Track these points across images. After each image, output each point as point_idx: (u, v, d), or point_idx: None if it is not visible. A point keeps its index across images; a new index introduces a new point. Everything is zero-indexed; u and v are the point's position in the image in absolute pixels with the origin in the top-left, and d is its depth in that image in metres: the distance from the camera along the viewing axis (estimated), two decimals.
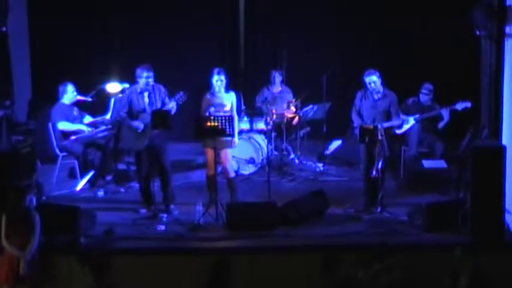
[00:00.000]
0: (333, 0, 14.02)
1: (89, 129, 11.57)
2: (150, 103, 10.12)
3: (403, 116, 11.57)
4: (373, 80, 10.12)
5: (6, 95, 12.29)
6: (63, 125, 11.40)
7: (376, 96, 10.17)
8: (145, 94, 10.15)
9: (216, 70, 10.32)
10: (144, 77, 10.08)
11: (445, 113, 11.68)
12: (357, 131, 10.20)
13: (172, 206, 10.25)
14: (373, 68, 10.24)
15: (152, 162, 10.19)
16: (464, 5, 10.33)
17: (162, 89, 10.25)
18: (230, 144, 10.30)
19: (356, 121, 10.30)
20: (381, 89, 10.17)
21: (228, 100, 10.30)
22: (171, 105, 10.02)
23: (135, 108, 10.16)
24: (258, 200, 10.34)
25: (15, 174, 9.10)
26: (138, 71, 10.12)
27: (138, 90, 10.17)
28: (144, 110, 10.11)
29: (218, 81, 10.20)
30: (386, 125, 10.05)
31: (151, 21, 13.93)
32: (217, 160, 10.38)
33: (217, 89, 10.21)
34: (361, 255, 7.67)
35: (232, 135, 10.01)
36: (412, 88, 12.07)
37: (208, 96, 10.28)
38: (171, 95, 10.19)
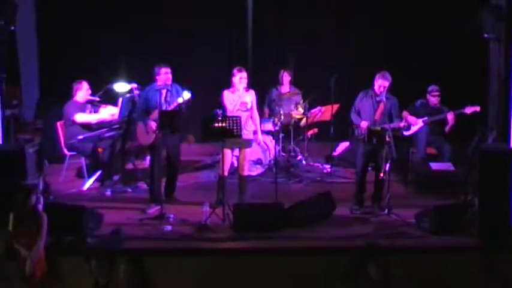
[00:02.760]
0: (341, 1, 14.01)
1: (112, 109, 11.57)
2: (166, 101, 10.16)
3: (410, 118, 11.57)
4: (385, 84, 10.10)
5: (14, 94, 12.35)
6: (81, 117, 11.38)
7: (378, 99, 10.16)
8: (163, 92, 10.19)
9: (237, 68, 10.32)
10: (163, 74, 10.16)
11: (450, 116, 11.63)
12: (357, 132, 10.22)
13: (175, 194, 10.53)
14: (387, 70, 10.20)
15: (162, 159, 10.31)
16: (473, 7, 10.32)
17: (180, 88, 10.31)
18: (251, 144, 10.35)
19: (356, 120, 10.29)
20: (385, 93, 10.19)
21: (249, 99, 10.31)
22: (178, 101, 10.10)
23: (151, 105, 10.24)
24: (265, 201, 10.30)
25: (22, 174, 9.11)
26: (156, 69, 10.22)
27: (156, 87, 10.24)
28: (158, 107, 10.16)
29: (240, 78, 10.20)
30: (392, 125, 10.04)
31: (160, 21, 13.95)
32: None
33: (238, 86, 10.21)
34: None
35: (240, 135, 9.97)
36: (419, 90, 12.05)
37: (230, 93, 10.28)
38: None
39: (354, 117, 10.36)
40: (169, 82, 10.24)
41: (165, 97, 10.19)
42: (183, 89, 10.17)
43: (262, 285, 8.73)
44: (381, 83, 10.13)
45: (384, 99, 10.12)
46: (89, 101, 11.56)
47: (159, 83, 10.23)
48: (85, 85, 11.51)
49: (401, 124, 10.38)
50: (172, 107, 10.10)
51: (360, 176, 10.38)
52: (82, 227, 9.02)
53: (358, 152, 10.38)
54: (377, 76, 10.18)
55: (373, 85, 10.23)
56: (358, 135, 10.23)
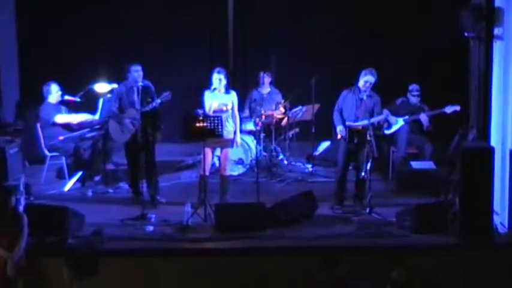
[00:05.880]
0: (323, 2, 14.04)
1: (90, 116, 11.54)
2: (139, 99, 10.17)
3: (391, 117, 11.60)
4: (370, 80, 10.13)
5: None
6: (61, 119, 11.34)
7: (361, 96, 10.18)
8: (135, 90, 10.24)
9: (216, 69, 10.30)
10: (134, 71, 10.27)
11: (423, 117, 11.66)
12: (340, 132, 10.24)
13: (158, 197, 10.45)
14: (374, 68, 10.23)
15: (139, 156, 10.31)
16: (453, 7, 10.35)
17: (151, 86, 10.39)
18: (231, 144, 10.32)
19: (337, 120, 10.32)
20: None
21: (229, 100, 10.28)
22: (154, 104, 10.16)
23: (124, 104, 10.35)
24: (247, 201, 10.29)
25: (2, 175, 9.05)
26: (127, 67, 10.37)
27: (128, 86, 10.33)
28: (132, 105, 10.26)
29: (217, 79, 10.17)
30: (372, 120, 10.06)
31: (141, 22, 13.92)
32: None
33: (217, 87, 10.18)
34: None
35: (222, 136, 9.97)
36: (401, 89, 12.08)
37: (209, 93, 10.25)
38: (158, 94, 10.29)
39: (335, 116, 10.37)
40: (140, 80, 10.28)
41: (138, 95, 10.22)
42: (164, 91, 10.18)
43: (245, 285, 8.72)
44: (367, 79, 10.14)
45: (365, 96, 10.14)
46: (62, 102, 11.53)
47: (130, 80, 10.33)
48: (54, 87, 11.48)
49: (381, 117, 10.37)
50: (149, 106, 10.14)
51: (340, 175, 10.40)
52: (64, 228, 8.98)
53: (339, 151, 10.40)
54: (364, 72, 10.19)
55: (357, 81, 10.24)
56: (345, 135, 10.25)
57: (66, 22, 13.68)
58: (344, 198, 10.39)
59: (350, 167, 10.51)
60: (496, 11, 9.62)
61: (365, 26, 14.03)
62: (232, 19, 14.03)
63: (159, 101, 10.17)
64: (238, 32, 14.26)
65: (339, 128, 10.27)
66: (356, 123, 10.14)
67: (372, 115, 10.17)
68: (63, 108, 11.56)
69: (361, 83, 10.20)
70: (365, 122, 10.05)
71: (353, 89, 10.29)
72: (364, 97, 10.13)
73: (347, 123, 10.22)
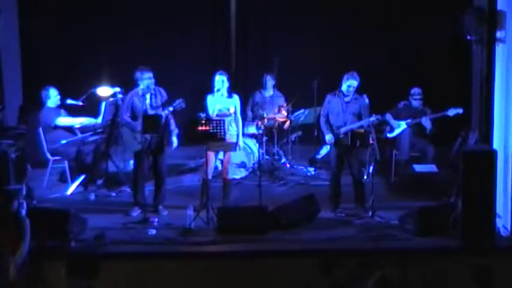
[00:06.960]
0: (325, 5, 14.04)
1: (92, 120, 11.56)
2: (151, 105, 10.13)
3: (393, 121, 11.60)
4: (353, 84, 10.14)
5: None
6: (63, 121, 11.37)
7: (347, 99, 10.19)
8: (147, 96, 10.17)
9: (218, 72, 10.30)
10: (146, 78, 10.08)
11: (426, 122, 11.64)
12: (329, 141, 10.23)
13: (161, 207, 10.32)
14: (356, 71, 10.22)
15: (148, 164, 10.29)
16: (455, 10, 10.36)
17: (163, 92, 10.29)
18: (234, 147, 10.31)
19: (324, 128, 10.35)
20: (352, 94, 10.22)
21: (231, 104, 10.28)
22: (166, 112, 10.03)
23: (137, 111, 10.15)
24: (249, 204, 10.29)
25: (4, 179, 9.06)
26: (138, 74, 10.12)
27: (140, 92, 10.16)
28: (145, 113, 10.12)
29: (219, 82, 10.16)
30: (363, 122, 10.07)
31: (143, 25, 13.94)
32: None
33: (220, 89, 10.17)
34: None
35: (224, 139, 9.97)
36: (403, 92, 12.08)
37: (212, 97, 10.25)
38: (171, 101, 10.19)
39: (322, 123, 10.40)
40: (153, 86, 10.19)
41: (150, 102, 10.17)
42: (177, 98, 10.10)
43: None
44: (350, 83, 10.15)
45: (351, 100, 10.17)
46: (62, 105, 11.55)
47: (142, 87, 10.16)
48: (52, 91, 11.46)
49: (373, 119, 10.35)
50: (161, 112, 10.07)
51: (334, 179, 10.40)
52: (66, 232, 8.98)
53: (331, 156, 10.42)
54: (346, 76, 10.20)
55: (340, 85, 10.24)
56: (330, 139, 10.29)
57: (69, 26, 13.69)
58: (339, 202, 10.39)
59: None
60: (498, 14, 9.61)
61: (366, 29, 14.03)
62: (235, 21, 14.05)
63: (171, 108, 10.06)
64: (240, 34, 14.27)
65: (328, 138, 10.29)
66: (357, 125, 10.14)
67: (360, 119, 10.17)
68: (62, 111, 11.56)
69: (344, 88, 10.21)
70: (359, 123, 10.07)
71: (337, 93, 10.29)
72: (349, 99, 10.12)
73: (336, 128, 10.25)
